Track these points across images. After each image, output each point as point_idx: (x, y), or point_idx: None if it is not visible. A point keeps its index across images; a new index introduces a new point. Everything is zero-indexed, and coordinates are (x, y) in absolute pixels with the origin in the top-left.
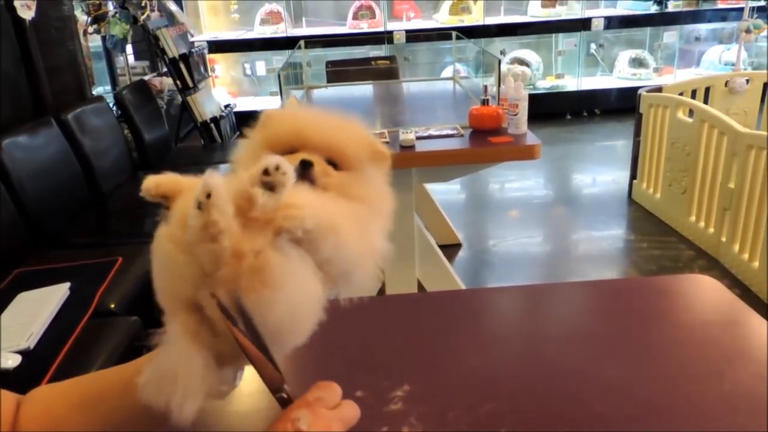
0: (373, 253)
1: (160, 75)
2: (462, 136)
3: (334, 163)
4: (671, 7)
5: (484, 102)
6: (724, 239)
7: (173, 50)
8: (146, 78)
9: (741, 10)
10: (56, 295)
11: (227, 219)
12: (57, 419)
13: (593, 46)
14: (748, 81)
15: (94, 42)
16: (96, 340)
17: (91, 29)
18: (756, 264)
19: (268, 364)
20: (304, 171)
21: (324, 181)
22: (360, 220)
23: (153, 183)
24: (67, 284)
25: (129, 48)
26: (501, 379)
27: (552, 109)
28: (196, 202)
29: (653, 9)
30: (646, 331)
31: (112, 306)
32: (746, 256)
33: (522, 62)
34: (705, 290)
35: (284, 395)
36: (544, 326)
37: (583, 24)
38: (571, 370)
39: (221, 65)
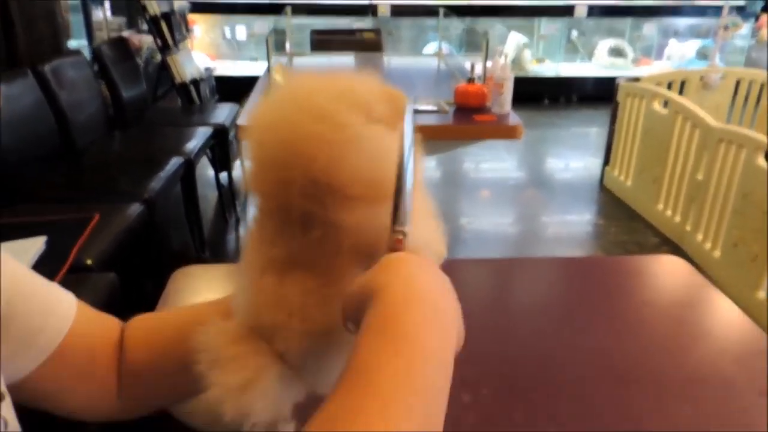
0: None
1: (139, 32)
2: (447, 112)
3: None
4: (651, 0)
5: (470, 80)
6: (688, 228)
7: (155, 8)
8: (125, 34)
9: (719, 8)
10: (32, 248)
11: None
12: (156, 349)
13: (574, 32)
14: (721, 77)
15: None
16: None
17: None
18: (717, 253)
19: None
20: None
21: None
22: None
23: None
24: (44, 238)
25: (107, 3)
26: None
27: (531, 93)
28: None
29: None
30: (619, 307)
31: (89, 262)
32: (708, 245)
33: None
34: (675, 271)
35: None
36: (514, 298)
37: (567, 10)
38: (542, 340)
39: (200, 27)
